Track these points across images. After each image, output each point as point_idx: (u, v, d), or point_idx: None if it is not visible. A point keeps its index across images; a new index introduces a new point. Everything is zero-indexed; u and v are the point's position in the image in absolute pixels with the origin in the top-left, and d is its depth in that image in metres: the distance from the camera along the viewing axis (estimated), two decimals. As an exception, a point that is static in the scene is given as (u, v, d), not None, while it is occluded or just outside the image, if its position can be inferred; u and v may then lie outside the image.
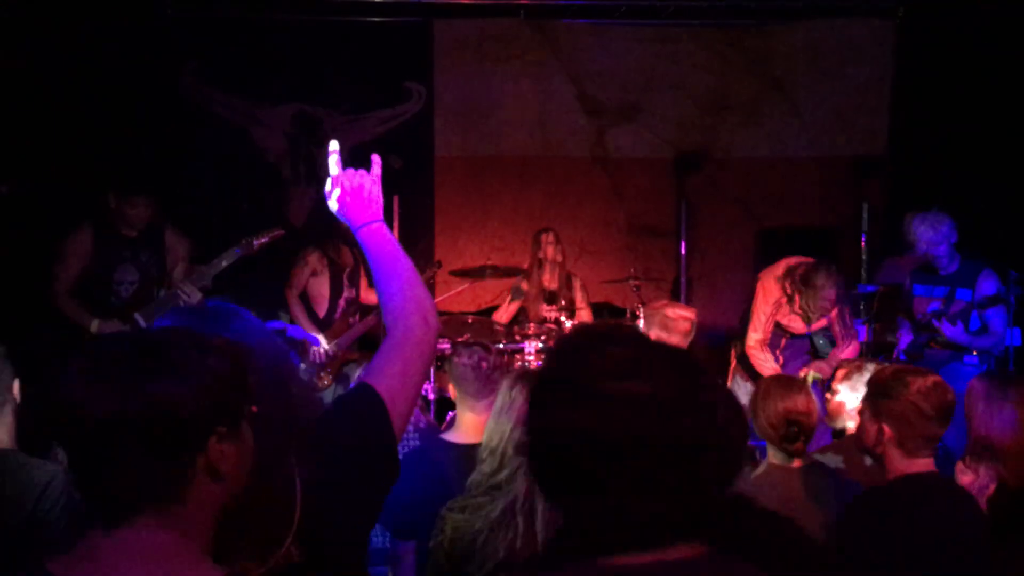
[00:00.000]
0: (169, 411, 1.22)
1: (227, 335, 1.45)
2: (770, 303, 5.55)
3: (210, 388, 1.25)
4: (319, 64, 7.35)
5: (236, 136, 7.40)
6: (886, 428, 2.64)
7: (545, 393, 1.27)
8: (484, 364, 3.34)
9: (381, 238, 1.93)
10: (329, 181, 1.98)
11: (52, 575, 1.23)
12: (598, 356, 1.24)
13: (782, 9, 7.56)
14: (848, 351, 5.52)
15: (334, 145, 2.01)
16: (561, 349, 1.32)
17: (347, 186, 1.95)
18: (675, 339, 4.65)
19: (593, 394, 1.21)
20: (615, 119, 7.73)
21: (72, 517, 2.67)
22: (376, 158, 2.00)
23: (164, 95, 7.16)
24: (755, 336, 5.54)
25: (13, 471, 2.57)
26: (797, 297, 5.49)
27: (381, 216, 1.96)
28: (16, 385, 2.66)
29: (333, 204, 1.98)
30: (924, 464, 2.64)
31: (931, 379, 2.65)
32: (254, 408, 1.33)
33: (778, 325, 5.63)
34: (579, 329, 1.39)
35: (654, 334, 4.87)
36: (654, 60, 7.67)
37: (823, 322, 5.63)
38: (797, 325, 5.63)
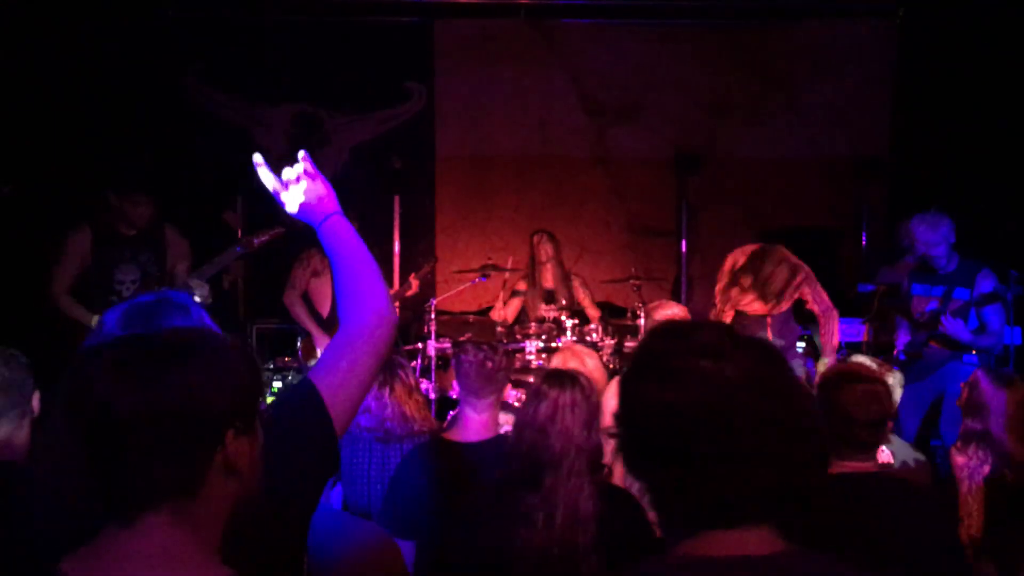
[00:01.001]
0: (190, 407, 1.24)
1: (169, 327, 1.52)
2: (722, 283, 5.88)
3: (229, 386, 1.28)
4: (320, 64, 7.37)
5: (237, 136, 7.41)
6: None
7: (637, 369, 1.34)
8: (489, 364, 3.35)
9: (341, 231, 1.91)
10: (274, 190, 1.94)
11: (64, 574, 1.25)
12: (687, 338, 1.32)
13: (783, 9, 7.57)
14: (832, 327, 5.74)
15: (257, 158, 1.98)
16: (652, 333, 1.38)
17: (302, 188, 1.92)
18: None
19: (682, 371, 1.28)
20: (616, 119, 7.75)
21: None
22: (302, 154, 1.95)
23: (165, 95, 7.18)
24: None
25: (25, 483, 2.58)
26: (747, 280, 5.74)
27: (338, 208, 1.93)
28: (36, 397, 2.67)
29: (292, 209, 1.95)
30: (855, 466, 2.59)
31: (867, 387, 2.61)
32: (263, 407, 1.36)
33: (739, 313, 5.82)
34: (669, 320, 1.45)
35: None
36: (655, 60, 7.68)
37: (787, 304, 5.77)
38: (756, 307, 5.78)
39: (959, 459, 3.35)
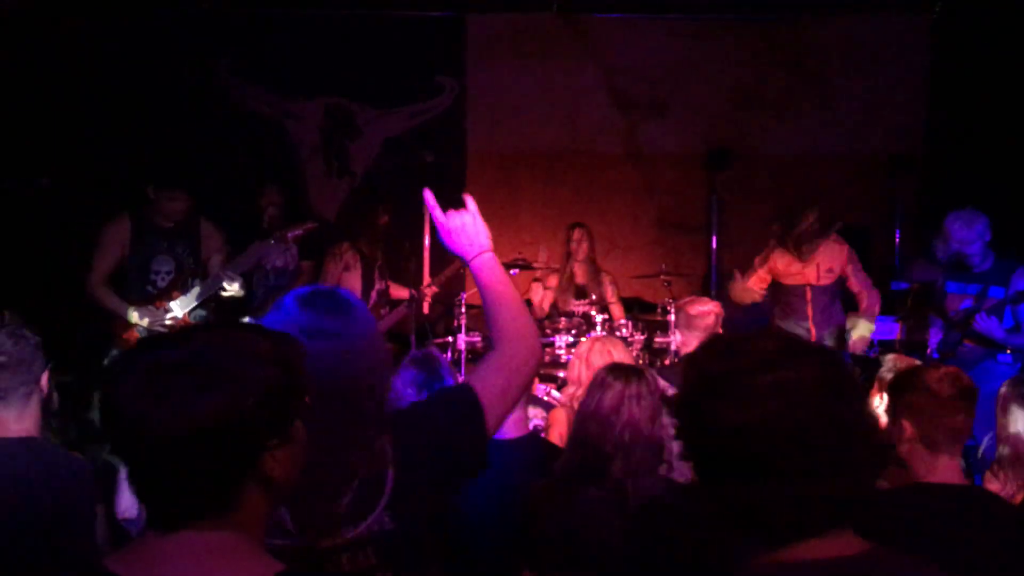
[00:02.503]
0: (223, 428, 1.23)
1: (342, 324, 1.73)
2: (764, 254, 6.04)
3: (262, 401, 1.26)
4: (353, 58, 7.40)
5: (270, 129, 7.47)
6: (906, 424, 2.47)
7: (700, 391, 1.34)
8: None
9: (488, 270, 2.09)
10: (437, 223, 2.15)
11: (111, 572, 1.26)
12: (745, 354, 1.33)
13: (816, 4, 7.51)
14: (873, 300, 5.88)
15: (430, 198, 2.16)
16: (708, 350, 1.39)
17: (450, 226, 2.12)
18: (700, 335, 4.65)
19: (745, 386, 1.29)
20: (646, 114, 7.73)
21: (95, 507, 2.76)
22: (469, 199, 2.16)
23: (199, 88, 7.24)
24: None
25: (38, 457, 2.63)
26: (778, 228, 5.97)
27: (489, 247, 2.11)
28: (46, 376, 2.70)
29: (447, 240, 2.16)
30: (947, 468, 2.45)
31: (945, 369, 2.52)
32: (307, 400, 1.35)
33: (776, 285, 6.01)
34: (719, 337, 1.47)
35: (680, 333, 4.88)
36: (686, 55, 7.65)
37: (832, 275, 5.86)
38: (793, 271, 5.91)
39: (993, 485, 3.29)
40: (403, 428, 1.84)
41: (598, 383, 2.69)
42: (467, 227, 2.12)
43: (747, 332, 1.40)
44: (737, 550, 1.33)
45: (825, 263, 5.87)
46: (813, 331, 5.82)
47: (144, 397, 1.22)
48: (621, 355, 4.10)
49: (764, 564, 1.29)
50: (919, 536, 2.31)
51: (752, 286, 6.03)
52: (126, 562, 1.27)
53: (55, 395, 2.82)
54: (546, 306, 6.82)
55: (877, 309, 5.89)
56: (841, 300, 6.03)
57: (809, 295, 5.89)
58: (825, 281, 5.87)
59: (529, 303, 6.93)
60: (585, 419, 2.63)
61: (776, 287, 6.04)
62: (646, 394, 2.59)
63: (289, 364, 1.31)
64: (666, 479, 2.69)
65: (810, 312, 5.84)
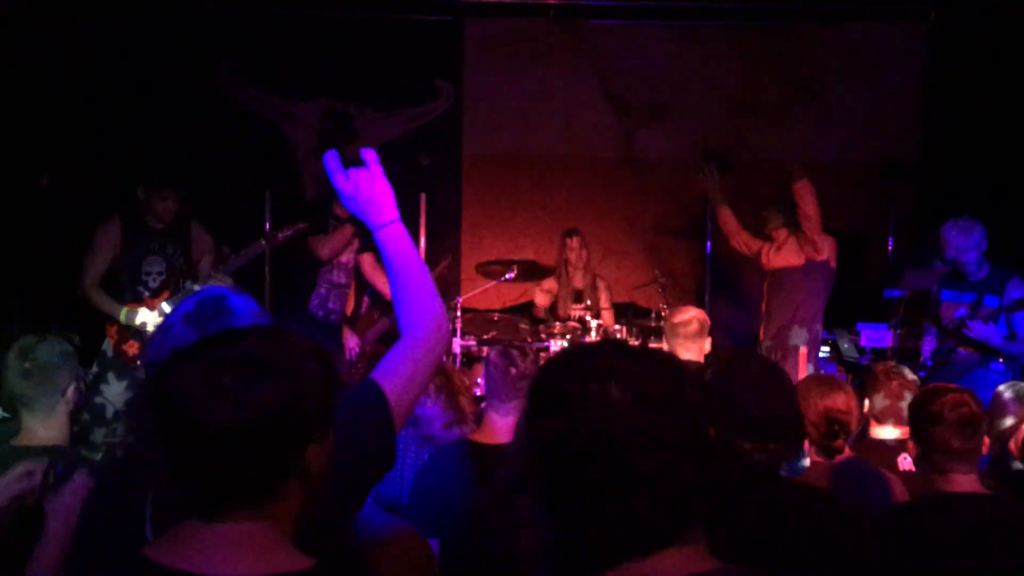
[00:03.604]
0: (277, 420, 1.29)
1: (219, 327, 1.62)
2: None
3: (311, 395, 1.33)
4: (350, 60, 7.41)
5: (268, 131, 7.47)
6: (911, 446, 2.70)
7: (530, 403, 1.31)
8: (513, 370, 3.37)
9: (397, 241, 1.92)
10: (338, 188, 1.96)
11: (150, 561, 1.30)
12: (579, 364, 1.29)
13: (813, 11, 7.53)
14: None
15: (331, 160, 1.96)
16: (548, 362, 1.36)
17: (353, 188, 1.93)
18: (690, 344, 4.59)
19: (572, 397, 1.24)
20: (643, 119, 7.74)
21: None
22: (370, 152, 1.96)
23: (197, 89, 7.25)
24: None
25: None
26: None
27: (397, 215, 1.93)
28: (72, 388, 2.71)
29: (348, 202, 1.96)
30: (960, 481, 2.58)
31: (953, 396, 2.63)
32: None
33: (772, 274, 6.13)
34: (569, 347, 1.42)
35: (666, 344, 4.83)
36: (683, 61, 7.67)
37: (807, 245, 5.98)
38: (773, 254, 6.10)
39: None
40: None
41: None
42: (374, 188, 1.92)
43: (594, 344, 1.37)
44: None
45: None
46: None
47: (202, 389, 1.28)
48: None
49: None
50: (935, 545, 2.46)
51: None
52: (166, 551, 1.31)
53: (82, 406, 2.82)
54: (544, 309, 6.85)
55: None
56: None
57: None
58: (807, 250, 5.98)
59: (532, 304, 6.97)
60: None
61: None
62: None
63: (328, 362, 1.38)
64: None
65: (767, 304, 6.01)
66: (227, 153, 7.33)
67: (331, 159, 1.94)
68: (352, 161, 1.94)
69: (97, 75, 6.73)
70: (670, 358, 1.34)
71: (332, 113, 7.51)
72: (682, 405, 1.24)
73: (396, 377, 1.83)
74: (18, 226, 5.94)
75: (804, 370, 5.64)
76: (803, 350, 5.73)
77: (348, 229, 5.78)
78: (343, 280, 6.05)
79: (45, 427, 2.65)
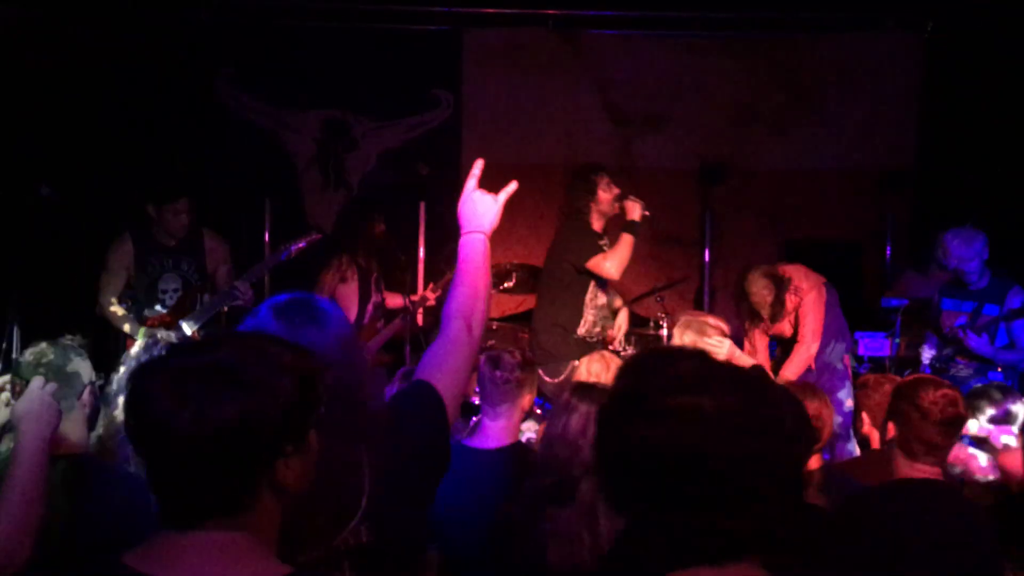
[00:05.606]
0: (241, 432, 1.28)
1: (316, 334, 1.70)
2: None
3: (279, 410, 1.31)
4: (349, 70, 7.43)
5: (266, 141, 7.49)
6: (891, 426, 2.78)
7: (614, 409, 1.32)
8: (498, 374, 3.40)
9: (474, 249, 2.15)
10: (464, 190, 2.27)
11: (128, 567, 1.30)
12: (665, 373, 1.29)
13: (810, 21, 7.57)
14: (799, 357, 5.40)
15: (478, 168, 2.35)
16: (630, 367, 1.36)
17: (471, 196, 2.24)
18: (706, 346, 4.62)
19: (660, 409, 1.25)
20: (641, 129, 7.76)
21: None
22: (510, 188, 2.33)
23: (196, 99, 7.26)
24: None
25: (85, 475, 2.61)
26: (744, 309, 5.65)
27: (486, 230, 2.18)
28: (87, 392, 2.70)
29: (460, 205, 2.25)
30: (926, 471, 2.70)
31: (944, 392, 2.72)
32: (321, 411, 1.39)
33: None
34: (647, 349, 1.44)
35: (689, 340, 4.82)
36: (681, 71, 7.69)
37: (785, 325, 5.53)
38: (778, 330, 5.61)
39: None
40: (375, 436, 1.81)
41: (563, 405, 2.70)
42: (484, 205, 2.21)
43: (676, 350, 1.39)
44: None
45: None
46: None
47: (169, 398, 1.28)
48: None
49: None
50: (896, 527, 2.60)
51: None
52: (144, 558, 1.31)
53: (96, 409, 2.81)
54: None
55: (796, 372, 5.36)
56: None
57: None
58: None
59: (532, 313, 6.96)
60: (552, 442, 2.63)
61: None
62: None
63: (308, 376, 1.36)
64: None
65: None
66: (226, 163, 7.35)
67: (477, 168, 2.37)
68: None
69: (95, 85, 6.75)
70: (753, 371, 1.35)
71: (331, 123, 7.52)
72: (772, 424, 1.26)
73: (442, 375, 1.94)
74: (18, 236, 5.94)
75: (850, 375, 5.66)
76: (846, 358, 5.72)
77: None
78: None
79: (64, 433, 2.64)
